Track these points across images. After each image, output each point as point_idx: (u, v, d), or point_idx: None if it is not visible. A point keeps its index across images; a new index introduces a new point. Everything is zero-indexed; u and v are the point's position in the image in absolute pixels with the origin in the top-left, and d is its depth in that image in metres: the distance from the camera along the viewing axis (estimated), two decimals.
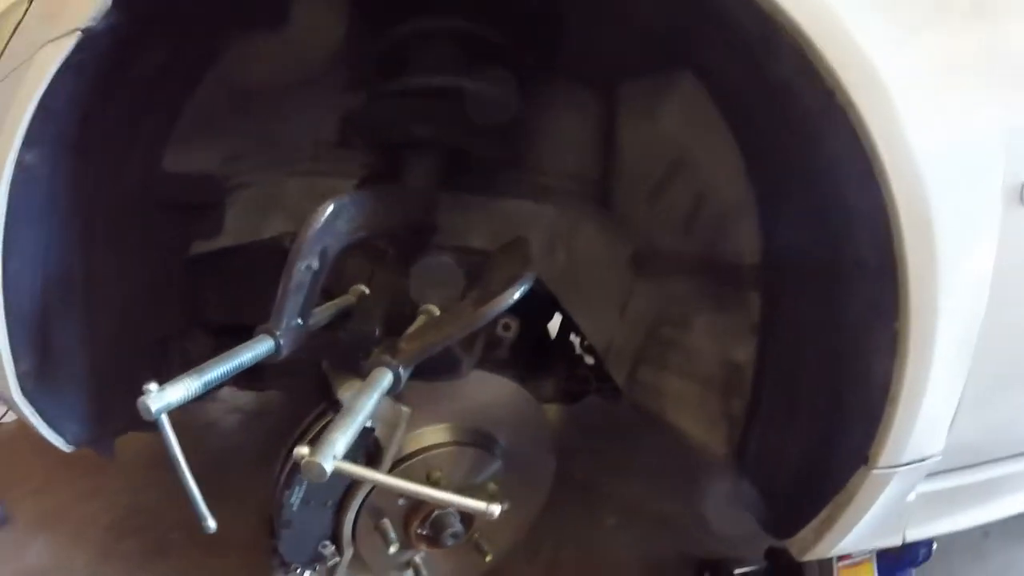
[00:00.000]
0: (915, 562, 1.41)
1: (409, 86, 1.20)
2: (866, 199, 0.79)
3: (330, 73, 1.31)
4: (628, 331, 1.38)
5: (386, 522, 1.23)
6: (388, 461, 1.17)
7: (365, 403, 0.82)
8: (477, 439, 1.29)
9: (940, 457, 0.94)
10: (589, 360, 1.65)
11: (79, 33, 0.85)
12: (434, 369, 1.04)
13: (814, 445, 0.97)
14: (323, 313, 1.08)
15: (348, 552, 1.24)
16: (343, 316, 1.13)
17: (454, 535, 1.22)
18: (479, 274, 1.17)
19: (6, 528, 1.72)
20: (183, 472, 0.72)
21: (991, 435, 1.13)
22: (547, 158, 1.42)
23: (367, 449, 1.16)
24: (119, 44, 0.90)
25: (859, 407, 0.89)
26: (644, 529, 1.89)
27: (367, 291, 1.19)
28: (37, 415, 1.07)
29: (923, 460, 0.92)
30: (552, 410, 2.13)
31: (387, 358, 0.92)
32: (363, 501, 1.20)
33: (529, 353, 1.47)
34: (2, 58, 0.94)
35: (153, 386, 0.71)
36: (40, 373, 1.05)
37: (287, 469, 1.17)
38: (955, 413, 0.93)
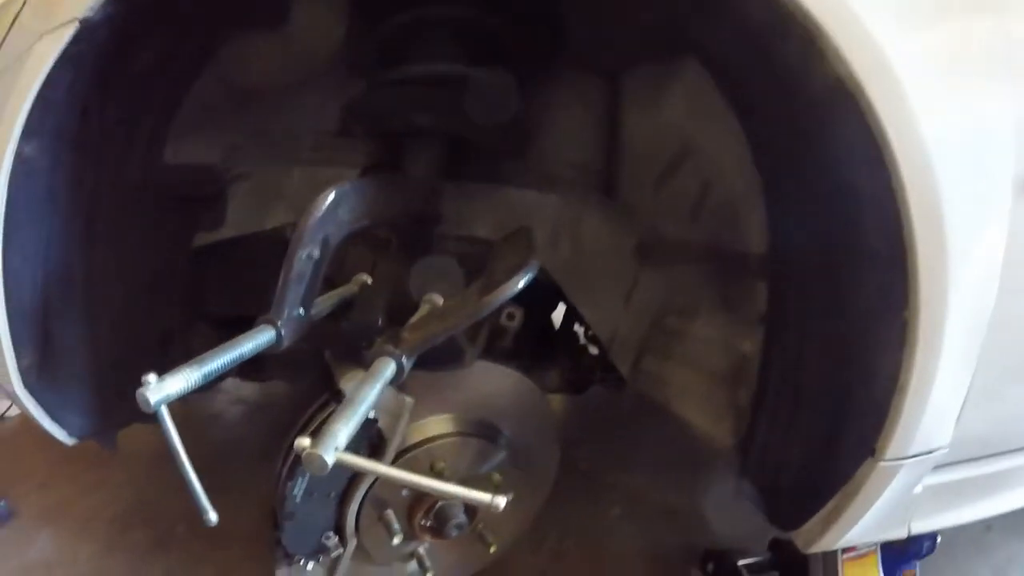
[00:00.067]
0: (919, 555, 1.41)
1: (410, 74, 1.19)
2: (875, 187, 0.78)
3: (330, 73, 1.30)
4: (633, 321, 1.37)
5: (390, 513, 1.23)
6: (391, 452, 1.16)
7: (368, 393, 0.81)
8: (481, 429, 1.28)
9: (947, 449, 0.93)
10: (593, 350, 1.64)
11: (77, 23, 0.84)
12: (437, 359, 1.04)
13: (821, 436, 0.97)
14: (325, 303, 1.07)
15: (352, 543, 1.24)
16: (345, 306, 1.13)
17: (458, 526, 1.23)
18: (483, 263, 1.16)
19: (11, 522, 1.73)
20: (183, 464, 0.72)
21: (999, 427, 1.12)
22: (551, 147, 1.41)
23: (370, 440, 1.15)
24: (116, 36, 0.90)
25: (866, 398, 0.88)
26: (648, 520, 1.89)
27: (369, 281, 1.19)
28: (40, 408, 1.07)
29: (930, 452, 0.92)
30: (556, 400, 2.12)
31: (390, 348, 0.92)
32: (367, 492, 1.20)
33: (533, 343, 1.47)
34: (0, 49, 0.93)
35: (152, 377, 0.70)
36: (42, 367, 1.05)
37: (290, 461, 1.17)
38: (963, 405, 0.92)
